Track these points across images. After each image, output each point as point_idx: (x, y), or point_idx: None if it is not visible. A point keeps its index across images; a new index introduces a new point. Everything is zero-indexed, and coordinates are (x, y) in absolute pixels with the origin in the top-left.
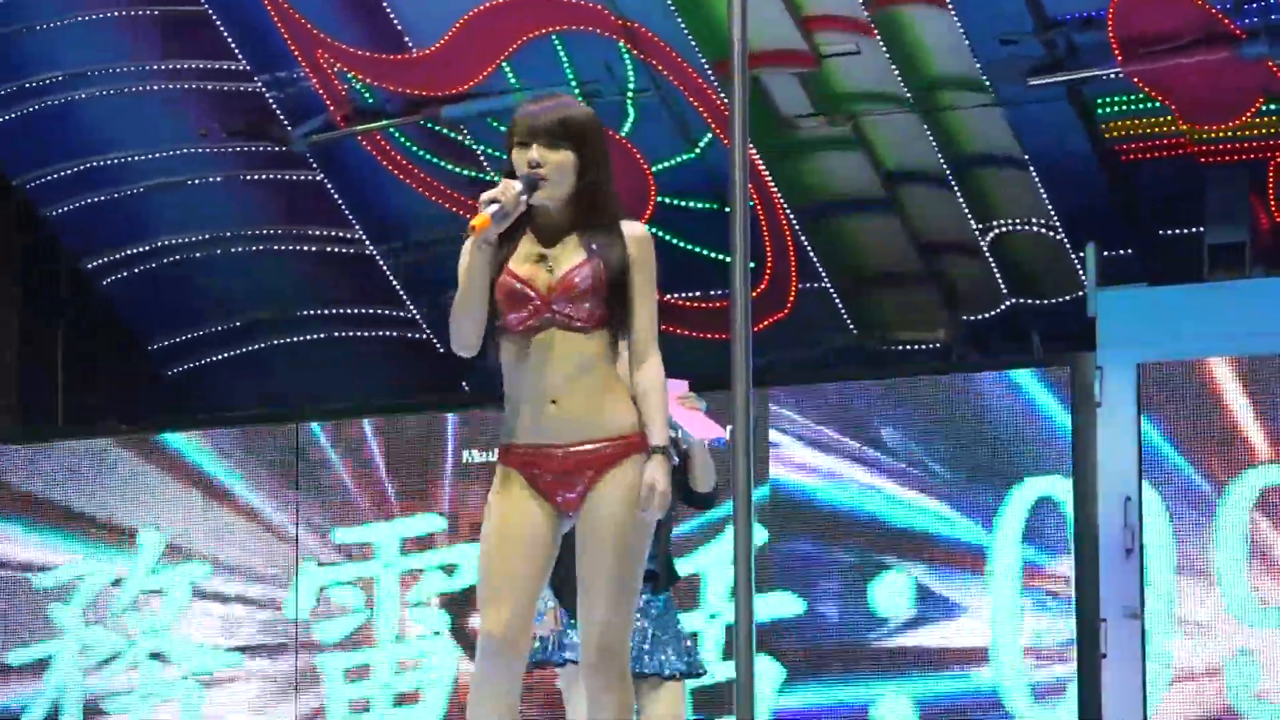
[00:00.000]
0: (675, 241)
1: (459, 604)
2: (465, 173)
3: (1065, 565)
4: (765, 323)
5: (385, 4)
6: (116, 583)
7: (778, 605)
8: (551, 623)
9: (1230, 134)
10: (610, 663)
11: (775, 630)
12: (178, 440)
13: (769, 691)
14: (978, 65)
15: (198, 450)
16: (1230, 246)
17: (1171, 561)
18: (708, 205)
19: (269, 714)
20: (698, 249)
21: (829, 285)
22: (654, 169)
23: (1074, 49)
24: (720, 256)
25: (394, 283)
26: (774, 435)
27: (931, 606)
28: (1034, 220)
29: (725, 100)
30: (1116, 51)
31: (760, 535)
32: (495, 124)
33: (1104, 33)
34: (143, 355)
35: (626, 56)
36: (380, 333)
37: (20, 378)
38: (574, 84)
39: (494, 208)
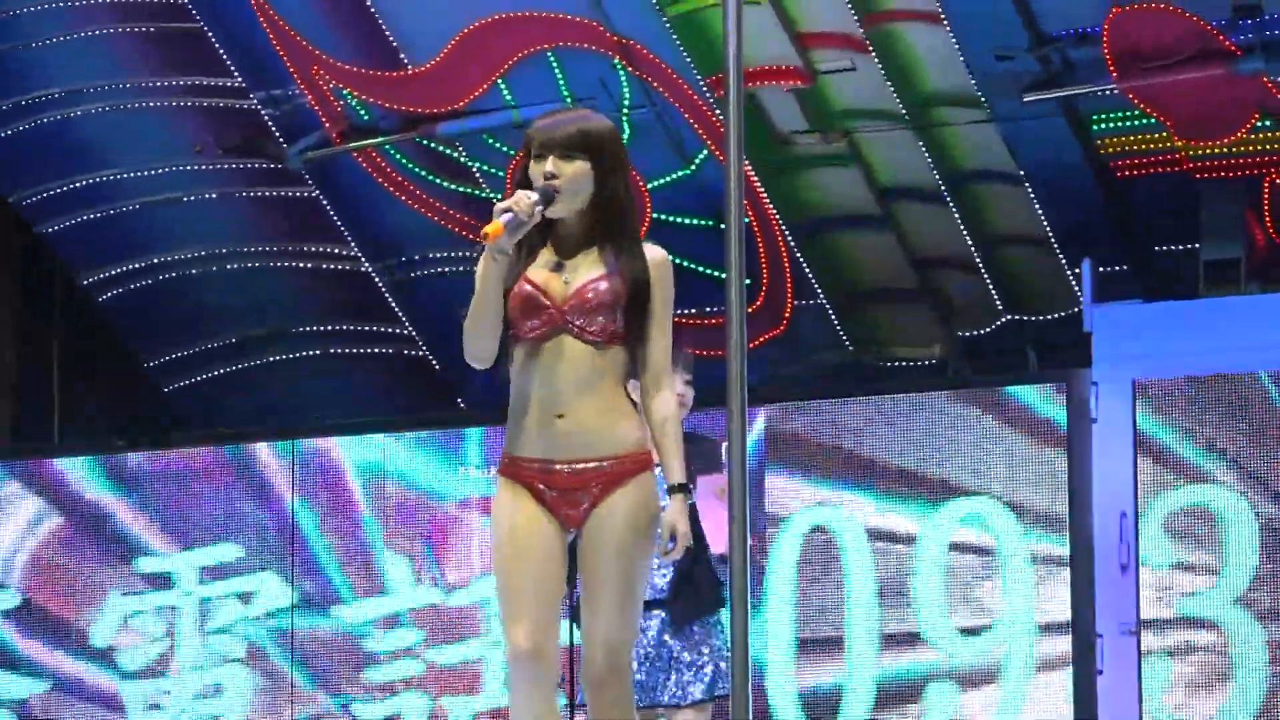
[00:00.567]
0: (670, 259)
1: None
2: (461, 189)
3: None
4: (761, 339)
5: (381, 21)
6: None
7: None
8: None
9: (1225, 150)
10: (617, 678)
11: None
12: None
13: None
14: (973, 81)
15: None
16: (1225, 263)
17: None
18: (703, 222)
19: None
20: (693, 265)
21: (825, 302)
22: (649, 186)
23: (1069, 65)
24: (716, 273)
25: (389, 300)
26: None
27: None
28: (1029, 236)
29: (720, 117)
30: (1111, 67)
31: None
32: (491, 141)
33: (1099, 48)
34: (139, 371)
35: (622, 73)
36: (376, 349)
37: (18, 394)
38: (569, 101)
39: (507, 216)
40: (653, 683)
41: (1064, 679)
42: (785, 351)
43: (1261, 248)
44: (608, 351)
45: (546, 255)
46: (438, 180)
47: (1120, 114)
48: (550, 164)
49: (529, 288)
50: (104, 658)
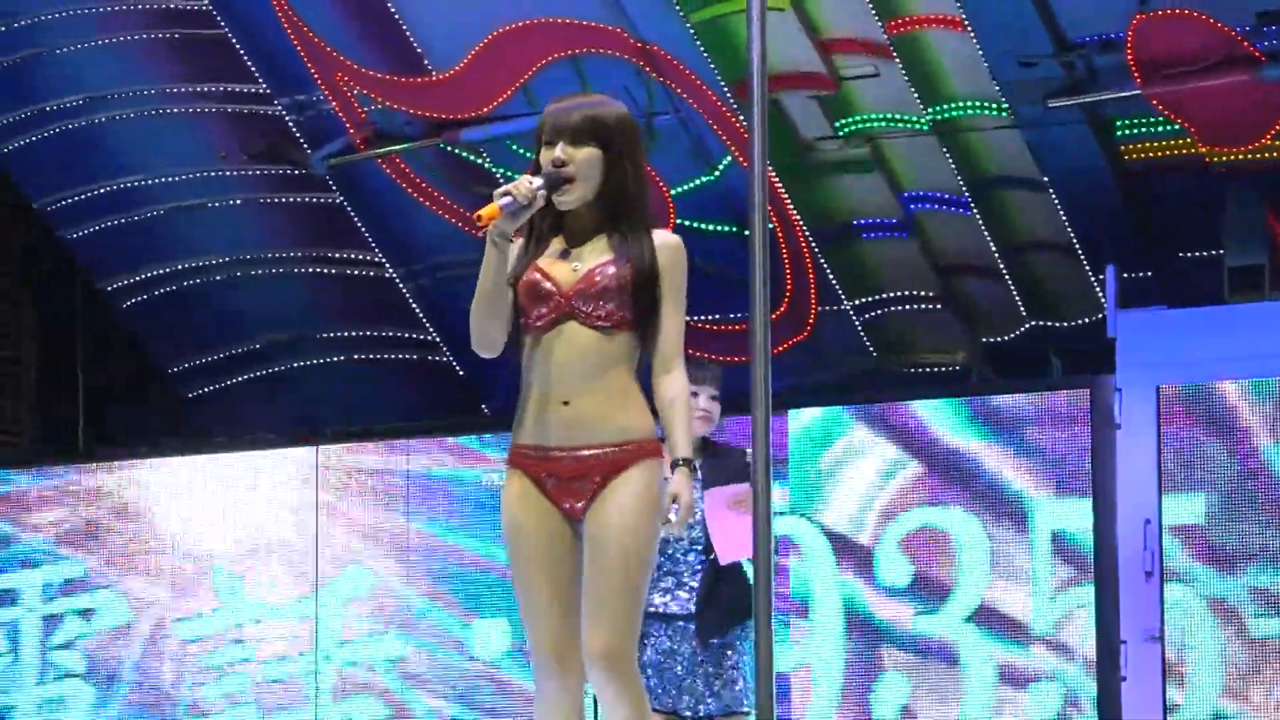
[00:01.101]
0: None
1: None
2: (485, 195)
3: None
4: (785, 345)
5: (405, 27)
6: None
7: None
8: None
9: (1250, 156)
10: (621, 668)
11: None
12: None
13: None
14: (996, 87)
15: None
16: (1250, 269)
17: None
18: (727, 228)
19: None
20: (717, 271)
21: (848, 308)
22: (673, 192)
23: (1093, 71)
24: (739, 279)
25: (413, 305)
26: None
27: None
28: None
29: (744, 123)
30: (1135, 74)
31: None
32: (515, 147)
33: (1123, 55)
34: (162, 378)
35: (645, 79)
36: (400, 355)
37: (39, 400)
38: None
39: (505, 200)
40: (673, 693)
41: (1089, 685)
42: (808, 358)
43: None
44: (616, 337)
45: (557, 244)
46: (462, 187)
47: (1144, 120)
48: (560, 150)
49: (537, 275)
50: None
